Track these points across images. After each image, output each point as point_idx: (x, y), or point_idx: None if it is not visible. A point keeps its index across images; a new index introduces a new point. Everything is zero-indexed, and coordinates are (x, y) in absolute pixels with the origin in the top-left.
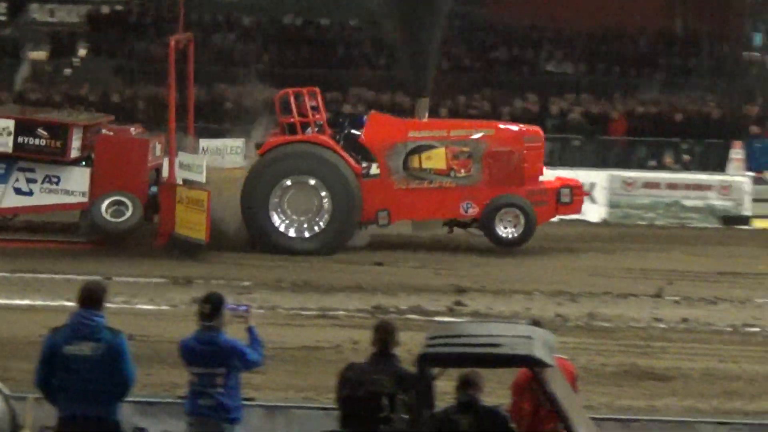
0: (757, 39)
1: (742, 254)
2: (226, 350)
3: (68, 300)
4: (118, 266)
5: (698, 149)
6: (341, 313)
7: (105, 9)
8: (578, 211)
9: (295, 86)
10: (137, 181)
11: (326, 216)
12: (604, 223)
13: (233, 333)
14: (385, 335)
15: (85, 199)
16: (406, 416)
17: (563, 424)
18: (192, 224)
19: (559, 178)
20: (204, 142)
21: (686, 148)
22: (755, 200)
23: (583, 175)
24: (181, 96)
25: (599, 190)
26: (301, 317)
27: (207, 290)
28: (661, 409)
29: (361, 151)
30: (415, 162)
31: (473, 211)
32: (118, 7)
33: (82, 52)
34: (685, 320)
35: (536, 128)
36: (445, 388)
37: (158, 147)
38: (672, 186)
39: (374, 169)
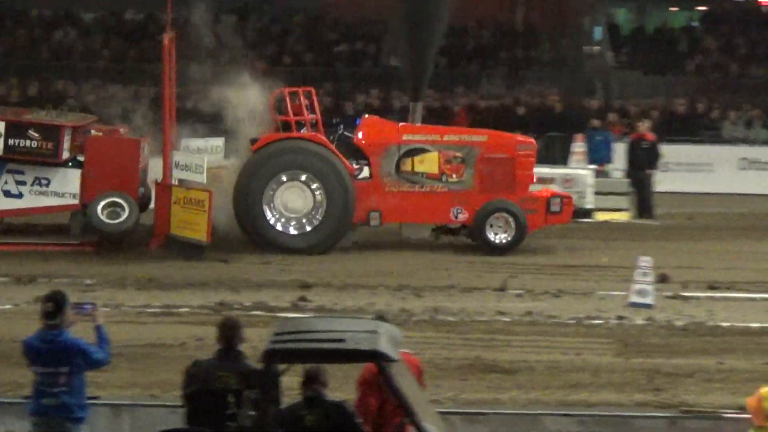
0: (597, 33)
1: (585, 247)
2: (68, 349)
3: None
4: None
5: (540, 142)
6: (185, 310)
7: None
8: (567, 220)
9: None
10: (129, 182)
11: (321, 214)
12: None
13: (84, 332)
14: (230, 332)
15: (76, 201)
16: (253, 412)
17: (409, 419)
18: (191, 225)
19: (546, 189)
20: (185, 142)
21: None
22: (597, 193)
23: None
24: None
25: None
26: (145, 315)
27: (50, 288)
28: (507, 402)
29: (354, 153)
30: (407, 165)
31: (463, 216)
32: None
33: None
34: (528, 313)
35: (529, 138)
36: (291, 383)
37: (146, 147)
38: None
39: (365, 172)
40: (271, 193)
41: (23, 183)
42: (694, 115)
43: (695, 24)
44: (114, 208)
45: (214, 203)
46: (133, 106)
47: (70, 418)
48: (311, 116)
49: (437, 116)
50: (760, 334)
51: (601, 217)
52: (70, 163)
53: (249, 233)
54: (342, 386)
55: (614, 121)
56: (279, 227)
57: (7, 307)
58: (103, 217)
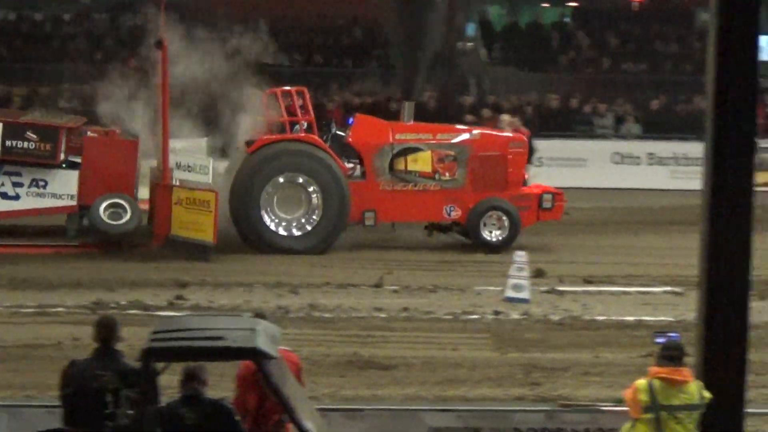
0: (470, 29)
1: (461, 243)
2: None
3: None
4: None
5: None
6: (61, 309)
7: None
8: (558, 217)
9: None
10: (127, 183)
11: (318, 215)
12: None
13: None
14: (106, 331)
15: (73, 203)
16: (131, 412)
17: (288, 416)
18: (196, 226)
19: (538, 185)
20: (171, 143)
21: None
22: None
23: None
24: None
25: None
26: (19, 315)
27: None
28: (385, 397)
29: (347, 152)
30: (401, 164)
31: (456, 214)
32: None
33: None
34: (405, 309)
35: (520, 135)
36: (170, 382)
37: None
38: None
39: (356, 171)
40: (268, 195)
41: (20, 185)
42: (567, 111)
43: (567, 20)
44: (116, 209)
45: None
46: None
47: None
48: (305, 117)
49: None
50: (635, 327)
51: None
52: (64, 165)
53: (246, 236)
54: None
55: (488, 117)
56: (276, 229)
57: None
58: (105, 218)
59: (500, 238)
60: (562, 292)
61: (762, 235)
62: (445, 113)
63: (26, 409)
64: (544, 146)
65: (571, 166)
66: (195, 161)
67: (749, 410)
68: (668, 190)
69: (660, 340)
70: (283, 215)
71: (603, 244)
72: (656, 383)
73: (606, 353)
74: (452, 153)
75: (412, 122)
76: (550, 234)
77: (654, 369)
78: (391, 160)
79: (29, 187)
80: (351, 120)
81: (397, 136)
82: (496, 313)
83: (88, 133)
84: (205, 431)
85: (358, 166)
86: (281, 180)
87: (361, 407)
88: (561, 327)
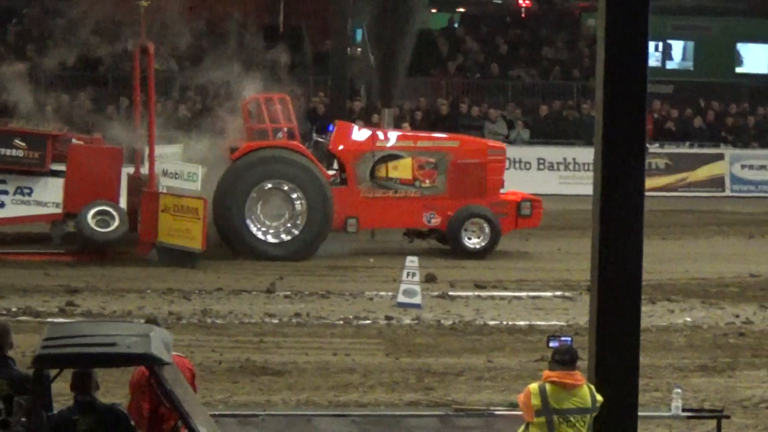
0: (358, 35)
1: (354, 248)
2: None
3: None
4: None
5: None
6: None
7: None
8: (537, 224)
9: None
10: (112, 191)
11: (301, 221)
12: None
13: None
14: None
15: (58, 210)
16: (24, 419)
17: (182, 421)
18: (183, 233)
19: (513, 192)
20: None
21: None
22: None
23: None
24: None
25: None
26: None
27: None
28: (278, 403)
29: (327, 159)
30: (382, 171)
31: (436, 221)
32: None
33: None
34: (297, 315)
35: (500, 143)
36: (62, 389)
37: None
38: None
39: (338, 178)
40: (252, 201)
41: (5, 192)
42: (456, 115)
43: (456, 25)
44: (103, 217)
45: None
46: None
47: None
48: (287, 124)
49: (200, 120)
50: (527, 332)
51: None
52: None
53: (230, 242)
54: (111, 390)
55: (377, 122)
56: (261, 236)
57: None
58: (93, 226)
59: (481, 245)
60: (453, 297)
61: (652, 239)
62: (334, 118)
63: None
64: None
65: None
66: (183, 168)
67: (642, 413)
68: (558, 195)
69: (554, 344)
70: (267, 221)
71: (493, 249)
72: (548, 387)
73: (499, 358)
74: (432, 160)
75: (392, 129)
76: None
77: (546, 373)
78: (372, 167)
79: (14, 194)
80: (331, 127)
81: (378, 143)
82: (389, 318)
83: (73, 140)
84: None
85: (340, 173)
86: (265, 186)
87: (254, 413)
88: (453, 332)
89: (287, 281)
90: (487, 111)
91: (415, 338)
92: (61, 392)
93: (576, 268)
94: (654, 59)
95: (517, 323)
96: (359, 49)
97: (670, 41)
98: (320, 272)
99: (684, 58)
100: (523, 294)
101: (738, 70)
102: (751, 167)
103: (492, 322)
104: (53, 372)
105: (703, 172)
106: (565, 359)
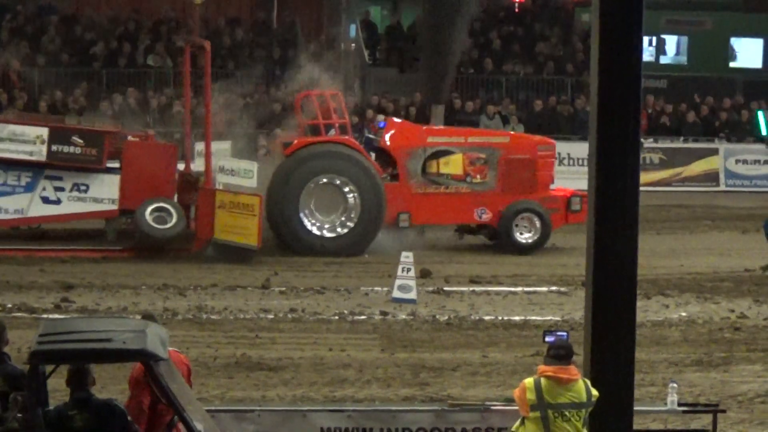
0: (352, 30)
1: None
2: None
3: None
4: None
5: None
6: None
7: None
8: (584, 219)
9: None
10: (167, 187)
11: (355, 216)
12: None
13: None
14: None
15: (114, 207)
16: (20, 415)
17: (178, 417)
18: (239, 229)
19: (561, 188)
20: (198, 146)
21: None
22: None
23: None
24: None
25: None
26: None
27: None
28: (273, 398)
29: (379, 156)
30: (433, 167)
31: (486, 217)
32: None
33: None
34: (293, 310)
35: (550, 139)
36: (59, 385)
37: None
38: None
39: (389, 174)
40: (307, 197)
41: (61, 189)
42: (451, 111)
43: None
44: (160, 214)
45: None
46: None
47: None
48: (339, 119)
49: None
50: (522, 326)
51: None
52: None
53: (283, 237)
54: (107, 386)
55: (371, 118)
56: (315, 231)
57: None
58: (151, 223)
59: (532, 239)
60: (448, 293)
61: (647, 233)
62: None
63: None
64: None
65: None
66: (239, 165)
67: (638, 408)
68: None
69: (549, 339)
70: (320, 216)
71: (489, 244)
72: (543, 382)
73: (494, 353)
74: (483, 156)
75: (441, 125)
76: (435, 234)
77: (542, 368)
78: (424, 163)
79: (71, 191)
80: (383, 123)
81: (430, 139)
82: (384, 313)
83: (129, 137)
84: None
85: (391, 169)
86: (319, 181)
87: (250, 408)
88: (448, 327)
89: (282, 277)
90: (479, 106)
91: (411, 333)
92: (57, 388)
93: (571, 263)
94: (648, 54)
95: (512, 318)
96: (353, 45)
97: (663, 36)
98: (315, 268)
99: (678, 53)
100: (518, 289)
101: (732, 64)
102: (745, 162)
103: (487, 317)
104: (49, 368)
105: (698, 167)
106: (560, 354)
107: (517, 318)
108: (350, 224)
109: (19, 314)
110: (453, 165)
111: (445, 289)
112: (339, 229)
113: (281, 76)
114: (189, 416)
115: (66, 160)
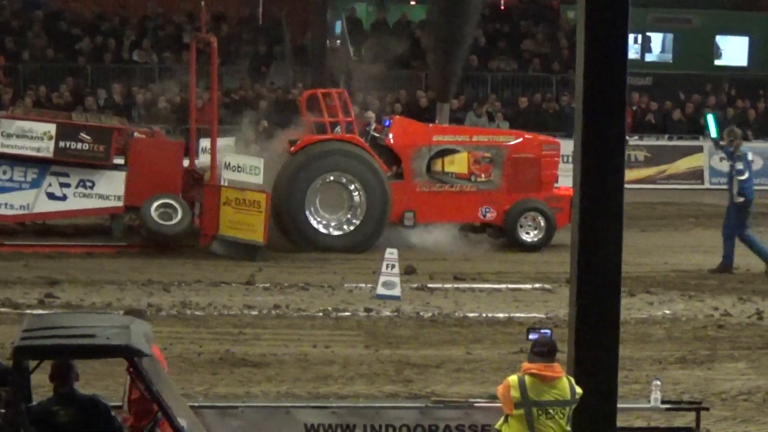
0: (338, 27)
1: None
2: None
3: None
4: None
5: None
6: None
7: None
8: None
9: None
10: (173, 184)
11: (360, 213)
12: None
13: None
14: None
15: (120, 203)
16: (3, 410)
17: (162, 413)
18: (245, 226)
19: (567, 187)
20: (203, 142)
21: None
22: None
23: None
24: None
25: None
26: None
27: None
28: (258, 395)
29: (384, 154)
30: (438, 165)
31: (491, 215)
32: None
33: None
34: (277, 306)
35: (554, 138)
36: (43, 380)
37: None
38: None
39: (394, 172)
40: (313, 194)
41: (67, 185)
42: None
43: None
44: (166, 210)
45: None
46: None
47: None
48: (345, 118)
49: (181, 113)
50: (506, 324)
51: None
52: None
53: (289, 234)
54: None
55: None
56: (321, 228)
57: None
58: (156, 219)
59: (537, 238)
60: (432, 289)
61: (631, 231)
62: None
63: None
64: None
65: None
66: (245, 162)
67: (621, 405)
68: None
69: (533, 336)
70: (326, 214)
71: (473, 240)
72: (527, 379)
73: (478, 350)
74: (488, 155)
75: (447, 123)
76: (420, 231)
77: (526, 365)
78: (429, 162)
79: (76, 187)
80: (388, 122)
81: (435, 138)
82: (368, 310)
83: (135, 134)
84: (80, 429)
85: (395, 168)
86: (325, 179)
87: (234, 405)
88: (433, 324)
89: (266, 273)
90: (464, 103)
91: (395, 330)
92: (41, 384)
93: (556, 260)
94: (633, 51)
95: (496, 315)
96: (338, 41)
97: (649, 33)
98: (299, 264)
99: (663, 51)
100: (503, 286)
101: (717, 62)
102: None
103: (471, 314)
104: (32, 363)
105: (683, 165)
106: (544, 351)
107: (501, 315)
108: (356, 222)
109: (3, 310)
110: (458, 164)
111: (430, 285)
112: (346, 227)
113: (267, 72)
114: (173, 413)
115: (73, 156)
